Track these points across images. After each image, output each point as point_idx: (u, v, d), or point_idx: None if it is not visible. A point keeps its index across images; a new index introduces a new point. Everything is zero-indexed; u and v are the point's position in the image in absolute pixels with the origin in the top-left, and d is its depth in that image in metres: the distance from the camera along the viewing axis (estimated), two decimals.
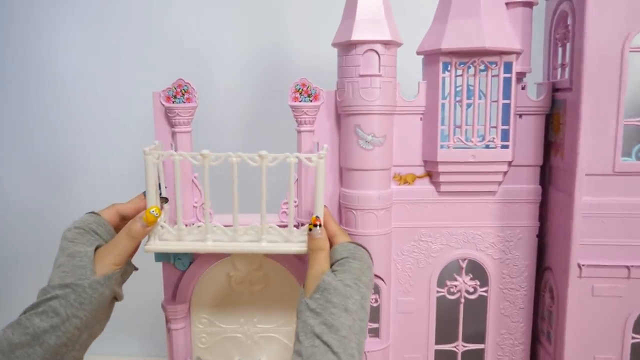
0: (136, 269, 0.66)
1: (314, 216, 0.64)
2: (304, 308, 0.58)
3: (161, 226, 0.67)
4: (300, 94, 0.73)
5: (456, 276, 0.77)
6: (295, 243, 0.66)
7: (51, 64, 1.13)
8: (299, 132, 0.73)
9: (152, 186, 0.65)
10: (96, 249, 0.60)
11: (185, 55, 1.10)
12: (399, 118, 0.73)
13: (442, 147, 0.72)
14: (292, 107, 0.72)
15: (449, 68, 0.71)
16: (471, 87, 0.72)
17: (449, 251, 0.76)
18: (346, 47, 0.69)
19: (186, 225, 0.70)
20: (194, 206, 0.74)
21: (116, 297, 0.62)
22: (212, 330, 0.77)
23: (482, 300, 0.78)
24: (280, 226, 0.68)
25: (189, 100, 0.72)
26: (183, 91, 0.72)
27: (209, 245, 0.66)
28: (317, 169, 0.64)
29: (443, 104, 0.71)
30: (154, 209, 0.63)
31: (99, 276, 0.58)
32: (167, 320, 0.75)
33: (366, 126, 0.70)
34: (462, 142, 0.72)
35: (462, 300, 0.77)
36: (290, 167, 0.65)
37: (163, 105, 0.72)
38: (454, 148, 0.72)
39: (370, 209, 0.71)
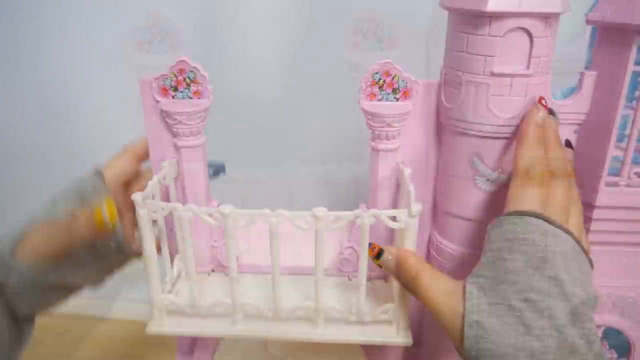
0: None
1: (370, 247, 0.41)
2: None
3: (168, 296, 0.44)
4: (380, 88, 0.44)
5: None
6: (369, 327, 0.44)
7: None
8: (375, 150, 0.45)
9: (148, 239, 0.42)
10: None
11: None
12: None
13: (608, 184, 0.44)
14: (366, 112, 0.44)
15: None
16: None
17: None
18: (472, 18, 0.39)
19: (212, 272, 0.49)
20: (213, 246, 0.51)
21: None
22: None
23: None
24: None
25: (197, 94, 0.45)
26: (188, 80, 0.44)
27: (239, 329, 0.45)
28: (406, 231, 0.39)
29: (625, 116, 0.42)
30: (105, 210, 0.45)
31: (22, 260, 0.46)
32: None
33: (492, 157, 0.42)
34: None
35: None
36: (363, 231, 0.39)
37: (157, 101, 0.45)
38: (628, 186, 0.44)
39: None
